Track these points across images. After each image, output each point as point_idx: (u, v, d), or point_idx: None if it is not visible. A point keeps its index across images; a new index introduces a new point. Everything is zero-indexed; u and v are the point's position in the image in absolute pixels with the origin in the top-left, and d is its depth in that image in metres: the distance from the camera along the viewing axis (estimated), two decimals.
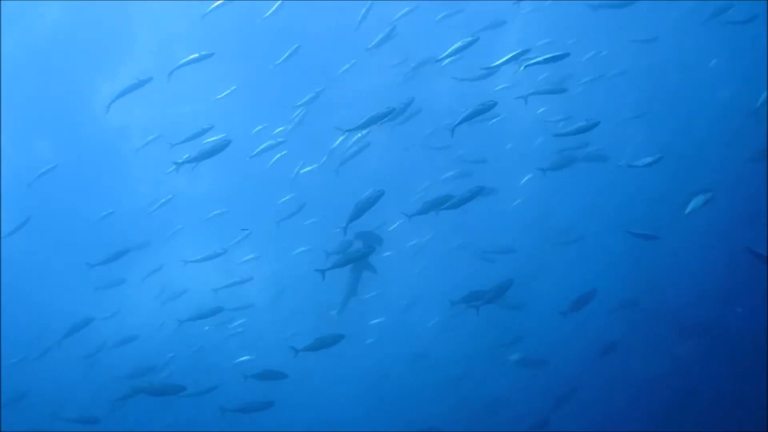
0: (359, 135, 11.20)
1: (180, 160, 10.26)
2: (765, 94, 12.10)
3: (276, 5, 12.95)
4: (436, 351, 17.10)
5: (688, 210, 10.29)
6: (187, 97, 17.27)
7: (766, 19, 14.83)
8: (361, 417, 16.95)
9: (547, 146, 12.53)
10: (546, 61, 9.19)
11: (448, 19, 14.17)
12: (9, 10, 16.98)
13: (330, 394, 17.37)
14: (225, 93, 13.25)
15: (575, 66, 13.97)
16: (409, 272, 17.24)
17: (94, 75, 17.90)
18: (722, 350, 15.03)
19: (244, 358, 13.42)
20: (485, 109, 8.74)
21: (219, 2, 12.47)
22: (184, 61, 11.33)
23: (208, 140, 10.56)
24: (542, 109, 14.71)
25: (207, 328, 13.65)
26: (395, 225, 13.61)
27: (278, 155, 13.57)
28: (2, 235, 14.39)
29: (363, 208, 8.79)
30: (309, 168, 14.20)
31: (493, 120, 12.99)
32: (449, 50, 10.31)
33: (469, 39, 10.01)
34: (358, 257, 10.02)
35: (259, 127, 13.90)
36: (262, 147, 12.77)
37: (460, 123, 9.00)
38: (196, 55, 11.16)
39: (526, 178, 15.59)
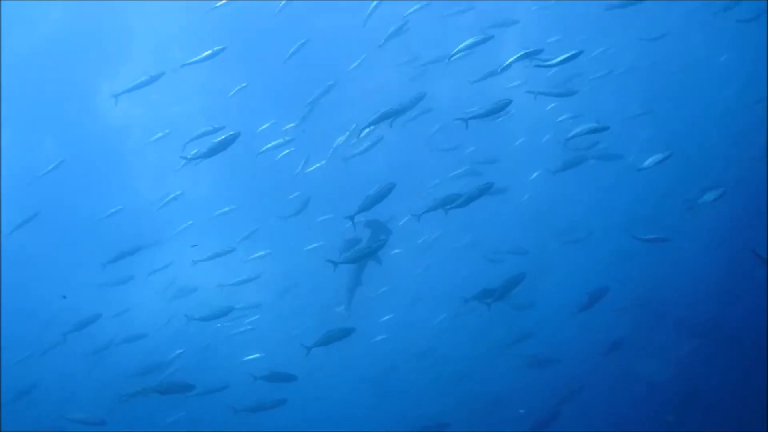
0: (367, 131, 11.15)
1: (189, 156, 10.24)
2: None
3: (282, 3, 12.97)
4: (441, 348, 17.10)
5: (699, 203, 10.37)
6: (186, 96, 17.29)
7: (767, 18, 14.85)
8: (366, 413, 16.98)
9: (556, 143, 12.46)
10: (560, 62, 9.19)
11: (458, 18, 14.14)
12: (11, 11, 16.97)
13: (336, 391, 17.36)
14: (235, 90, 13.21)
15: (583, 63, 13.95)
16: (417, 269, 17.22)
17: (94, 74, 17.91)
18: (726, 350, 15.07)
19: (253, 356, 13.40)
20: (500, 108, 8.74)
21: (223, 1, 12.47)
22: (197, 57, 11.32)
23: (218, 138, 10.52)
24: (551, 106, 14.68)
25: (219, 325, 13.56)
26: (404, 220, 13.57)
27: (285, 151, 13.54)
28: (7, 230, 14.29)
29: (374, 200, 8.83)
30: (316, 165, 14.15)
31: (501, 117, 12.95)
32: (460, 46, 10.31)
33: (482, 36, 9.98)
34: (370, 252, 10.04)
35: (266, 124, 13.87)
36: (270, 145, 12.75)
37: (473, 118, 8.99)
38: (209, 51, 11.16)
39: (534, 175, 15.58)
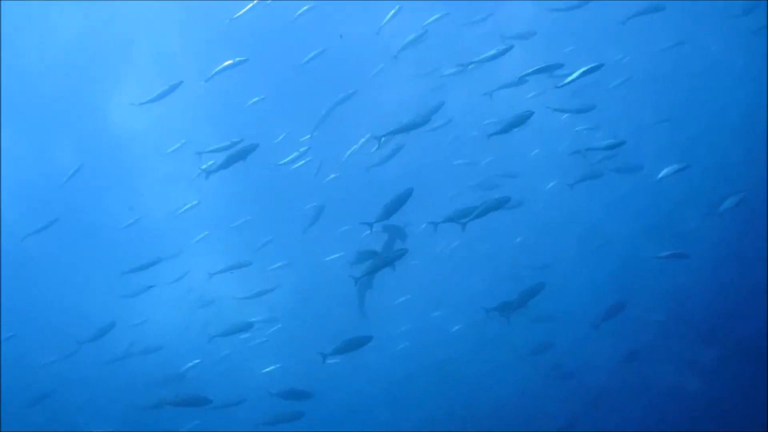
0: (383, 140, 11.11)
1: (205, 167, 10.26)
2: None
3: (303, 9, 12.96)
4: (458, 356, 17.02)
5: (720, 209, 10.30)
6: (199, 105, 17.33)
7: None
8: (382, 420, 16.91)
9: (573, 154, 12.37)
10: (580, 75, 9.12)
11: (477, 28, 14.09)
12: (22, 21, 17.12)
13: (353, 402, 17.29)
14: (254, 100, 13.23)
15: (600, 72, 13.87)
16: (435, 277, 17.16)
17: (107, 83, 18.01)
18: (744, 359, 14.90)
19: (270, 368, 13.38)
20: (521, 120, 8.69)
21: (244, 10, 12.48)
22: (219, 67, 11.34)
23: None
24: (567, 115, 14.60)
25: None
26: (421, 227, 13.52)
27: (301, 162, 13.54)
28: (24, 235, 14.31)
29: (393, 207, 8.74)
30: (332, 176, 14.15)
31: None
32: (482, 57, 10.25)
33: (503, 47, 9.94)
34: (387, 264, 9.97)
35: (283, 135, 13.88)
36: (291, 157, 12.74)
37: (495, 134, 8.95)
38: (231, 61, 11.18)
39: (551, 184, 15.50)
